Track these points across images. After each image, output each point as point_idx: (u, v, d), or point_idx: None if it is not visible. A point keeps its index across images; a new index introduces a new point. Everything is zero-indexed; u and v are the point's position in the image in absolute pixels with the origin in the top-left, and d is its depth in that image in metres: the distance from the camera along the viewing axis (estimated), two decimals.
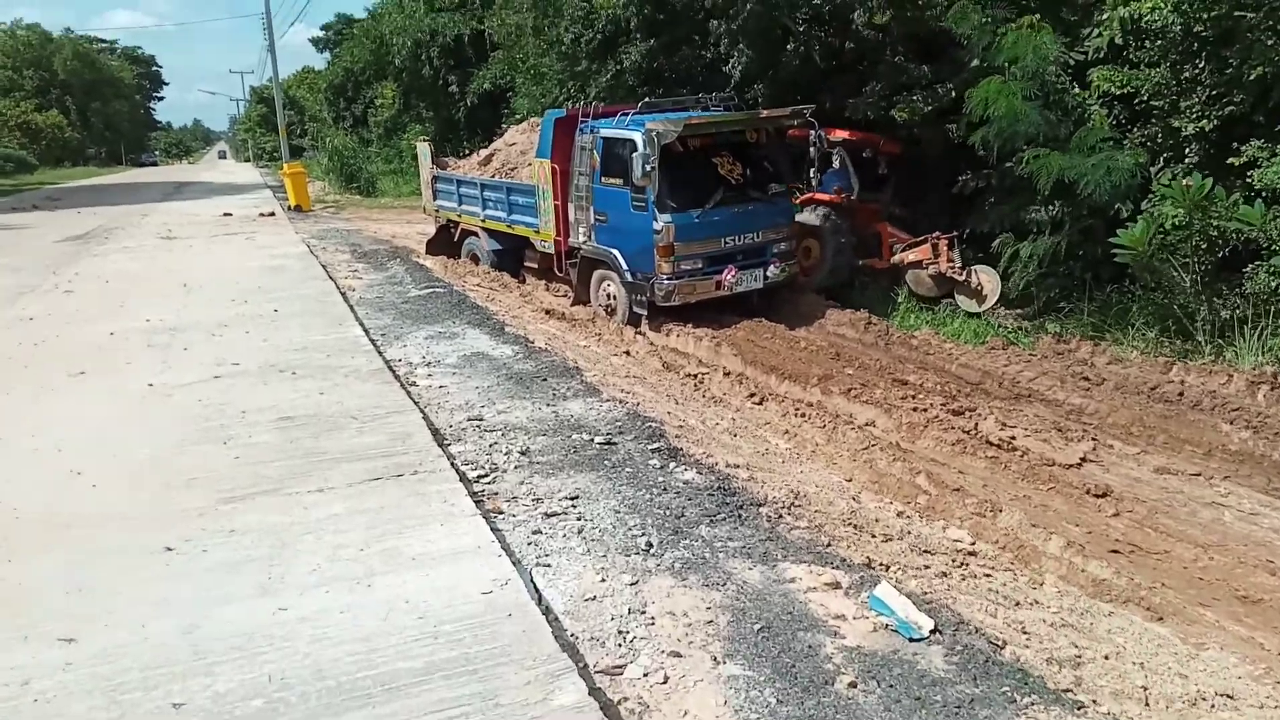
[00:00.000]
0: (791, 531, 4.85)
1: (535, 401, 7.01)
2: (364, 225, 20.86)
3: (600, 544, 4.61)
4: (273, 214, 22.60)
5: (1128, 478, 6.67)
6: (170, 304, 11.06)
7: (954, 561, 4.98)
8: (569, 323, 11.15)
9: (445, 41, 27.32)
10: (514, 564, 4.28)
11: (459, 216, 14.14)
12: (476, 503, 5.02)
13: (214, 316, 10.22)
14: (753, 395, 8.48)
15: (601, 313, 11.39)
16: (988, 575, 4.88)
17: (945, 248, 11.22)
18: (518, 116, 22.57)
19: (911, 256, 11.51)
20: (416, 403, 6.82)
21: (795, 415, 7.96)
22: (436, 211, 14.93)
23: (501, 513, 4.97)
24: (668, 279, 10.42)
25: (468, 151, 23.66)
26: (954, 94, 11.13)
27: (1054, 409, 8.12)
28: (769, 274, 10.93)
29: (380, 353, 8.43)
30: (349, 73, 39.83)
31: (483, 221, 13.47)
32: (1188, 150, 9.61)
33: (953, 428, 7.52)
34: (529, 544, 4.60)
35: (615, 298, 11.18)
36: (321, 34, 55.54)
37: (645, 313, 10.77)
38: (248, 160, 77.17)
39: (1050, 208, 10.34)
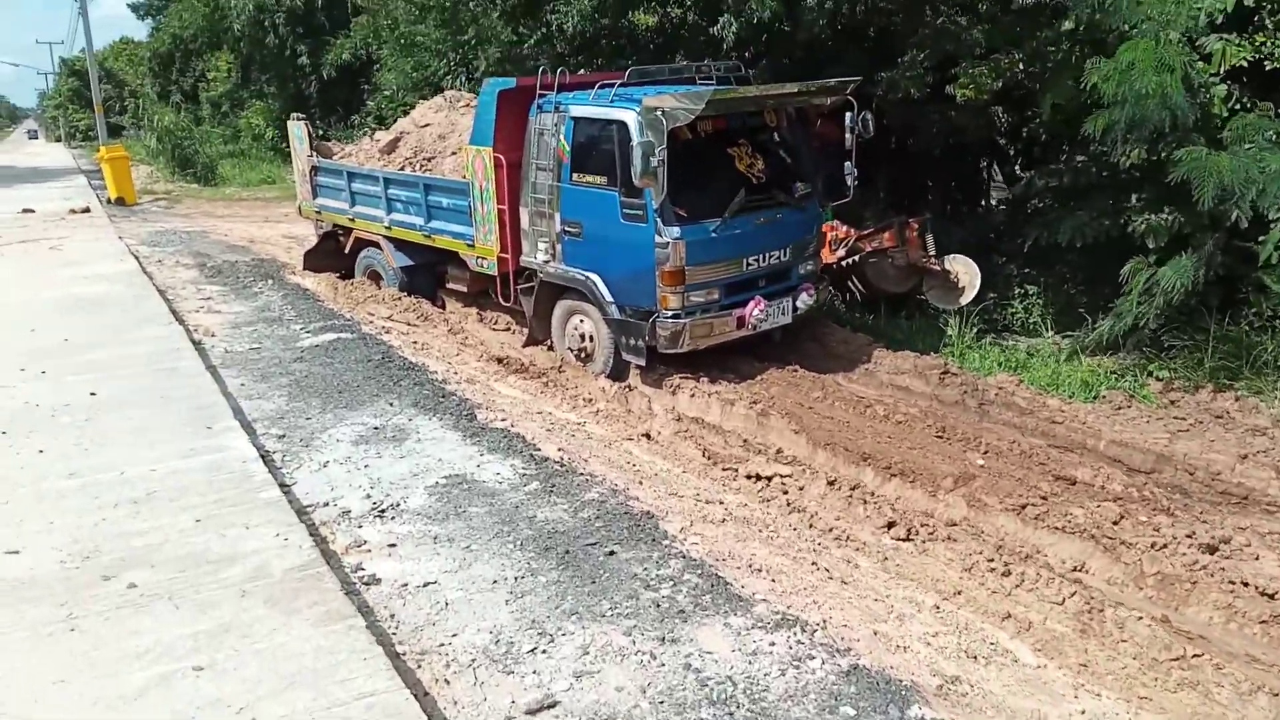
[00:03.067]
0: None
1: (626, 626, 3.41)
2: (209, 225, 15.85)
3: None
4: (87, 210, 17.01)
5: None
6: None
7: None
8: (537, 380, 7.45)
9: (294, 4, 22.37)
10: None
11: (351, 221, 10.02)
12: None
13: None
14: (891, 525, 5.18)
15: (570, 358, 7.80)
16: None
17: (915, 234, 8.63)
18: (385, 93, 18.65)
19: (874, 245, 8.81)
20: (413, 690, 3.06)
21: (987, 569, 4.70)
22: (318, 214, 10.68)
23: None
24: (673, 315, 6.98)
25: (323, 132, 19.04)
26: (1023, 66, 8.14)
27: None
28: (799, 304, 7.67)
29: (287, 490, 4.52)
30: (178, 40, 33.10)
31: (388, 229, 9.46)
32: None
33: (1232, 584, 4.47)
34: None
35: (592, 339, 7.60)
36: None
37: (641, 361, 7.29)
38: (59, 140, 65.90)
39: (1161, 214, 7.56)
